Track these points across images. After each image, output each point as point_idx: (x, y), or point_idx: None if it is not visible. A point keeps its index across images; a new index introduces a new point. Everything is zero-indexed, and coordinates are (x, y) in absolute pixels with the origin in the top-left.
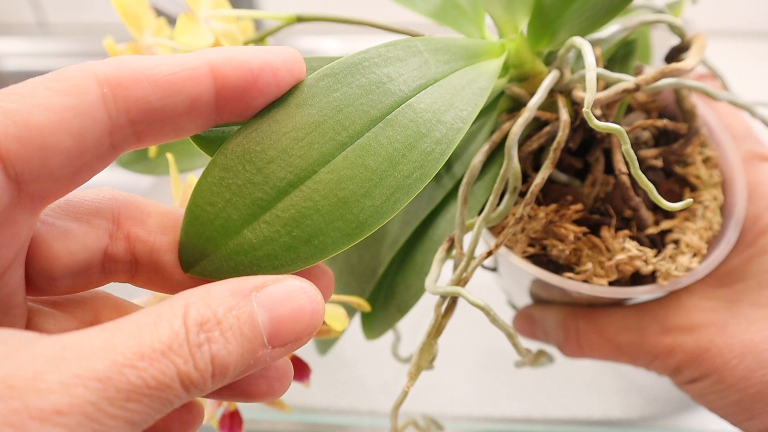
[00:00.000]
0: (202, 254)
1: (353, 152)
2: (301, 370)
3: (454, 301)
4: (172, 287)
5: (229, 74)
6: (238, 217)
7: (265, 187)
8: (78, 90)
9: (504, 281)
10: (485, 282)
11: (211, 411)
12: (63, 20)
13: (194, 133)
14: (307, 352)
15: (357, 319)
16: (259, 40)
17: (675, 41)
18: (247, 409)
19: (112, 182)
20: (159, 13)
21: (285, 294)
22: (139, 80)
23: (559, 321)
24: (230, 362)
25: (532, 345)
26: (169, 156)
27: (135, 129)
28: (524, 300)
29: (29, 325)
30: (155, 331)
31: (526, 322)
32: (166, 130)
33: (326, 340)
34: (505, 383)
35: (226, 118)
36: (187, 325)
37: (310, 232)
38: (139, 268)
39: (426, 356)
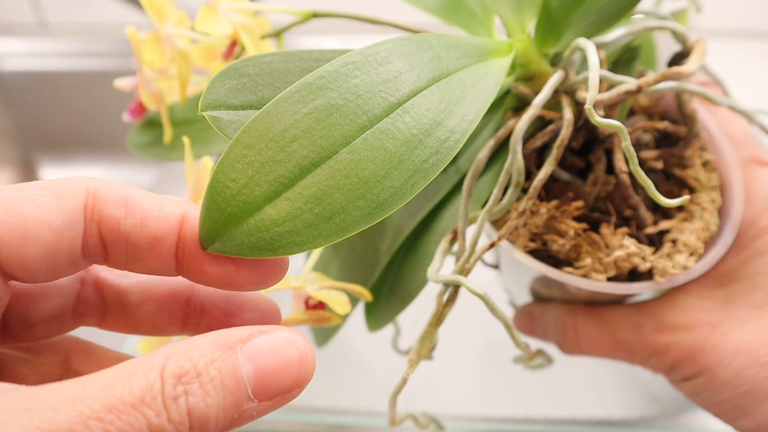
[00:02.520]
0: (223, 230)
1: (373, 135)
2: None
3: (455, 290)
4: (136, 327)
5: (190, 234)
6: (260, 194)
7: (288, 165)
8: (67, 194)
9: (505, 279)
10: (486, 281)
11: None
12: (63, 20)
13: (158, 275)
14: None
15: (358, 320)
16: (277, 35)
17: (678, 48)
18: None
19: (112, 179)
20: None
21: (271, 346)
22: (119, 203)
23: (559, 318)
24: (210, 415)
25: (532, 343)
26: (185, 139)
27: (104, 247)
28: (525, 298)
29: (3, 369)
30: (128, 382)
31: (526, 319)
32: (129, 257)
33: (326, 330)
34: (505, 383)
35: (180, 273)
36: (164, 377)
37: (332, 210)
38: (107, 311)
39: (427, 345)
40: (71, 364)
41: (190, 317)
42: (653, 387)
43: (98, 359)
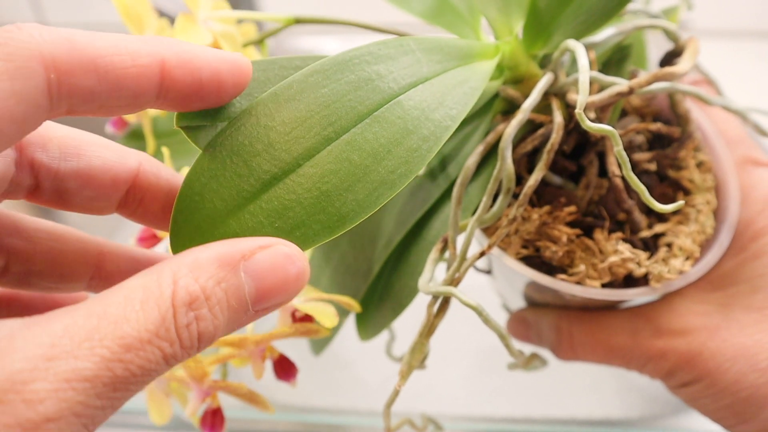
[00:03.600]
0: (190, 242)
1: (338, 147)
2: (287, 370)
3: (446, 301)
4: (69, 208)
5: (177, 78)
6: (223, 208)
7: (251, 179)
8: (23, 74)
9: (498, 284)
10: (479, 285)
11: (193, 407)
12: (63, 20)
13: (124, 114)
14: (304, 352)
15: (352, 320)
16: (260, 42)
17: (670, 47)
18: (246, 410)
19: None
20: (161, 14)
21: (272, 262)
22: (88, 70)
23: (553, 324)
24: (216, 334)
25: (526, 348)
26: (165, 150)
27: (70, 109)
28: (518, 303)
29: None
30: (142, 316)
31: (520, 325)
32: (99, 112)
33: (320, 339)
34: (504, 383)
35: (161, 108)
36: (175, 307)
37: (293, 224)
38: (40, 191)
39: (418, 356)
40: (1, 240)
41: (128, 204)
42: (653, 387)
43: (29, 234)
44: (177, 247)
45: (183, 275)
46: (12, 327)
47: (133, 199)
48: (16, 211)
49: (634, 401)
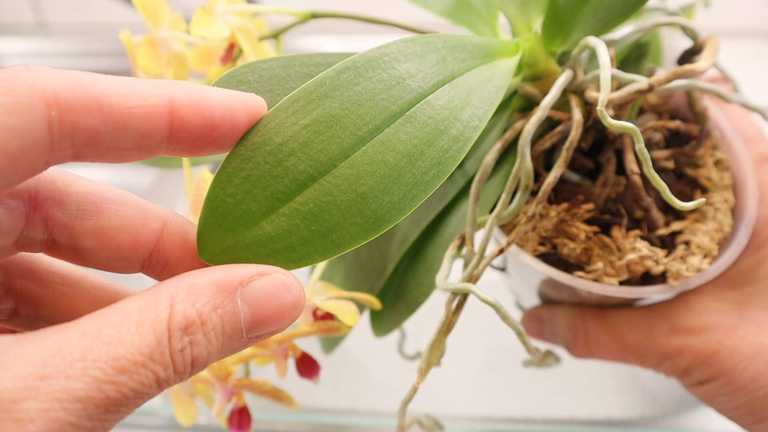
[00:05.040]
0: (219, 244)
1: (373, 147)
2: (310, 368)
3: (464, 298)
4: (87, 265)
5: (187, 119)
6: (257, 209)
7: (285, 180)
8: (23, 109)
9: (512, 281)
10: (493, 282)
11: (220, 407)
12: (63, 20)
13: (138, 160)
14: (311, 350)
15: (361, 322)
16: (275, 36)
17: (686, 44)
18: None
19: (111, 181)
20: (175, 9)
21: (269, 290)
22: (92, 109)
23: (568, 321)
24: (209, 360)
25: (540, 345)
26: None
27: (75, 151)
28: (532, 300)
29: None
30: (137, 338)
31: (535, 322)
32: (108, 156)
33: (333, 338)
34: (505, 383)
35: (174, 154)
36: (171, 330)
37: (328, 227)
38: (56, 246)
39: (436, 353)
40: (13, 283)
41: (152, 266)
42: (653, 388)
43: (42, 277)
44: (205, 251)
45: (180, 299)
46: (3, 343)
47: (157, 261)
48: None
49: (634, 401)
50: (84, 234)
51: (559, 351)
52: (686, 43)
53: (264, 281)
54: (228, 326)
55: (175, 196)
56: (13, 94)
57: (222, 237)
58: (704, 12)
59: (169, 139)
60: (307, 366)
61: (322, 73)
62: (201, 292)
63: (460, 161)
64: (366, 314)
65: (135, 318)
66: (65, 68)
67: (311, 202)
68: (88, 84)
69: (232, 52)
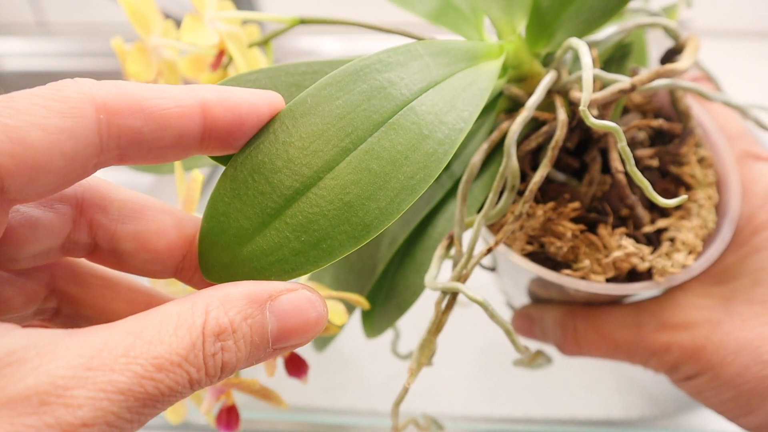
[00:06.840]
0: (218, 261)
1: (357, 157)
2: (299, 367)
3: (453, 297)
4: (126, 269)
5: (218, 116)
6: (249, 226)
7: (274, 196)
8: (75, 113)
9: (502, 281)
10: (484, 283)
11: (208, 406)
12: (63, 20)
13: (175, 160)
14: (305, 350)
15: (356, 318)
16: (264, 43)
17: (670, 44)
18: (246, 409)
19: (112, 179)
20: (166, 16)
21: (296, 305)
22: (135, 111)
23: (557, 320)
24: (237, 366)
25: (531, 345)
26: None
27: (121, 152)
28: (522, 300)
29: None
30: (174, 340)
31: (525, 321)
32: (149, 156)
33: (324, 336)
34: (504, 383)
35: (208, 151)
36: (205, 335)
37: (318, 237)
38: (98, 251)
39: (426, 353)
40: (57, 284)
41: (184, 270)
42: (653, 387)
43: (84, 279)
44: (206, 269)
45: (215, 307)
46: (55, 335)
47: (189, 266)
48: None
49: (634, 401)
50: (124, 237)
51: (551, 351)
52: (672, 42)
53: (291, 296)
54: (256, 336)
55: (172, 197)
56: (66, 100)
57: (220, 254)
58: (702, 12)
59: (202, 136)
60: (296, 365)
61: (305, 92)
62: (234, 302)
63: (447, 163)
64: (358, 314)
65: (174, 321)
66: (66, 68)
67: (299, 214)
68: (130, 90)
69: (221, 59)
